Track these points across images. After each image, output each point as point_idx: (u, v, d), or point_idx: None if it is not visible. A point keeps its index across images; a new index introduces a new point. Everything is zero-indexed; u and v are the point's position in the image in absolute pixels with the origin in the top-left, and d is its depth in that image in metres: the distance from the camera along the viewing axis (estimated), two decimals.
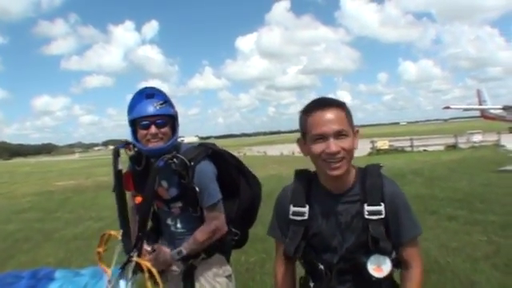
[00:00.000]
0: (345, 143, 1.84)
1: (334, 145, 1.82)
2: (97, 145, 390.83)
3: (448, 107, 52.45)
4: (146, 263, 2.58)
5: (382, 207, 1.87)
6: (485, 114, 53.22)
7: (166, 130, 2.70)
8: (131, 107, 2.74)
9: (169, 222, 2.91)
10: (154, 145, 2.67)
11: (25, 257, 7.85)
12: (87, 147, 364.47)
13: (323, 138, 1.84)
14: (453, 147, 32.48)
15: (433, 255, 5.82)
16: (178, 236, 2.90)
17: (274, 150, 49.60)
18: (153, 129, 2.65)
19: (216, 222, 2.80)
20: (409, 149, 34.32)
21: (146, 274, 2.53)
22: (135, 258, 2.62)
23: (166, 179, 2.79)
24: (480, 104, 52.58)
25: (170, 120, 2.74)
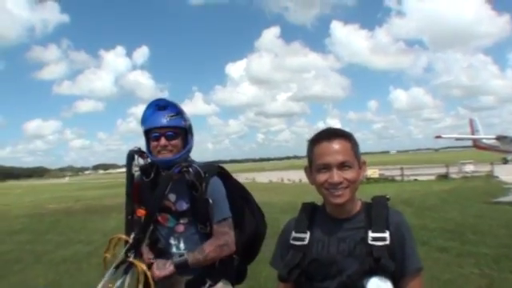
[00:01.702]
0: (348, 174, 1.86)
1: (336, 175, 1.85)
2: (87, 168, 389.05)
3: (440, 136, 52.61)
4: (141, 265, 2.55)
5: (386, 234, 1.86)
6: (477, 144, 53.25)
7: (176, 142, 2.71)
8: (144, 118, 2.76)
9: (171, 241, 2.79)
10: (164, 156, 2.68)
11: (15, 278, 7.83)
12: (78, 171, 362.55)
13: (327, 168, 1.88)
14: (444, 177, 32.38)
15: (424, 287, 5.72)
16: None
17: (262, 177, 49.28)
18: (162, 140, 2.67)
19: (226, 237, 2.72)
20: (399, 178, 34.06)
21: (141, 276, 2.50)
22: (132, 259, 2.59)
23: (174, 192, 2.74)
24: (472, 133, 52.49)
25: (181, 132, 2.75)
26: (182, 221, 2.76)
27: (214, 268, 2.76)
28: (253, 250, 3.07)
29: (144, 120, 2.76)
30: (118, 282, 2.62)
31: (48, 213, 20.63)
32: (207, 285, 2.73)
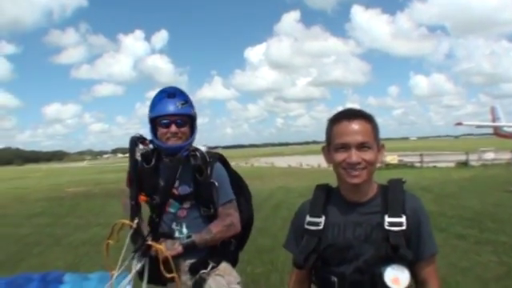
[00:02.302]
0: (367, 155, 1.84)
1: (355, 155, 1.83)
2: (106, 152, 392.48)
3: (460, 123, 51.85)
4: (160, 247, 2.59)
5: (403, 219, 1.84)
6: (498, 132, 52.35)
7: (185, 129, 2.75)
8: (153, 105, 2.78)
9: (173, 226, 2.84)
10: (174, 143, 2.71)
11: (35, 260, 7.94)
12: (96, 154, 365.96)
13: (346, 147, 1.85)
14: (464, 164, 32.10)
15: (441, 274, 5.65)
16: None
17: (281, 162, 49.35)
18: (173, 127, 2.70)
19: (231, 218, 2.82)
20: (418, 164, 33.92)
21: (161, 257, 2.55)
22: (150, 242, 2.65)
23: (177, 177, 2.78)
24: (494, 121, 51.55)
25: (189, 120, 2.79)
26: (184, 205, 2.81)
27: (215, 249, 2.83)
28: (246, 236, 3.13)
29: (153, 107, 2.79)
30: (139, 266, 2.69)
31: (67, 196, 20.92)
32: (210, 266, 2.79)
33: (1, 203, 19.15)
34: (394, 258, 1.80)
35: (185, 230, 2.81)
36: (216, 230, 2.75)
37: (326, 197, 2.06)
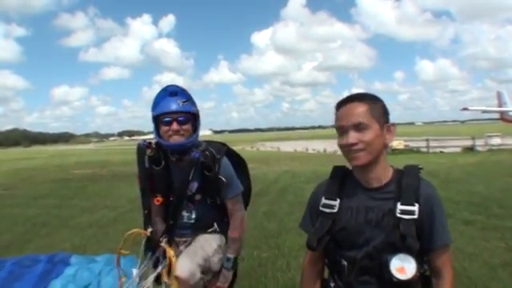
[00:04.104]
0: (364, 136, 1.86)
1: (351, 137, 1.86)
2: (112, 135, 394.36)
3: (466, 108, 51.67)
4: (170, 251, 2.71)
5: (415, 208, 1.84)
6: (504, 117, 52.16)
7: (187, 126, 2.81)
8: (155, 104, 2.84)
9: (184, 213, 2.99)
10: (175, 140, 2.77)
11: (42, 241, 7.96)
12: (103, 137, 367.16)
13: (344, 130, 1.90)
14: (470, 150, 32.05)
15: None
16: (186, 226, 3.01)
17: (287, 146, 49.51)
18: (175, 125, 2.76)
19: (241, 213, 3.07)
20: (424, 150, 33.89)
21: (168, 261, 2.68)
22: (164, 244, 2.80)
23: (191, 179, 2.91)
24: (500, 106, 51.44)
25: (191, 118, 2.84)
26: (195, 198, 2.97)
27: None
28: (246, 204, 3.32)
29: (155, 106, 2.84)
30: (159, 268, 2.83)
31: (74, 178, 20.97)
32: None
33: (8, 184, 19.20)
34: (402, 247, 1.81)
35: (194, 215, 2.99)
36: (238, 234, 3.02)
37: (341, 179, 2.07)
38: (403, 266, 1.80)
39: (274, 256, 6.17)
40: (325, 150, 37.16)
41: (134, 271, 2.81)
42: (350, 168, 2.06)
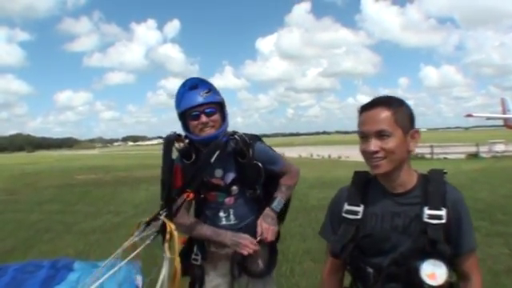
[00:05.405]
0: (386, 144, 1.81)
1: (372, 144, 1.81)
2: (117, 140, 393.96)
3: (470, 115, 51.58)
4: (170, 224, 2.52)
5: (443, 212, 1.80)
6: (508, 124, 52.11)
7: (215, 117, 2.71)
8: (178, 101, 2.75)
9: (221, 214, 2.85)
10: (207, 133, 2.68)
11: (45, 247, 7.98)
12: (107, 142, 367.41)
13: (366, 136, 1.85)
14: (474, 156, 32.00)
15: None
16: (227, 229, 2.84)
17: (292, 152, 49.25)
18: (203, 118, 2.67)
19: (294, 167, 3.06)
20: (428, 156, 33.73)
21: (168, 236, 2.47)
22: (163, 217, 2.56)
23: (220, 167, 2.79)
24: (504, 113, 51.36)
25: (218, 107, 2.74)
26: (232, 192, 2.83)
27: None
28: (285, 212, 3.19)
29: (178, 102, 2.75)
30: (149, 240, 2.61)
31: (78, 183, 20.97)
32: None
33: (12, 189, 19.23)
34: (432, 253, 1.77)
35: (232, 217, 2.84)
36: (292, 182, 2.99)
37: (364, 184, 2.03)
38: (434, 272, 1.76)
39: (278, 261, 6.10)
40: (329, 156, 37.12)
41: (138, 277, 2.74)
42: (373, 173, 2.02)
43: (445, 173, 1.96)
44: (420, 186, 1.92)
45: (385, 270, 1.87)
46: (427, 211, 1.82)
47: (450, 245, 1.79)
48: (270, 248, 3.04)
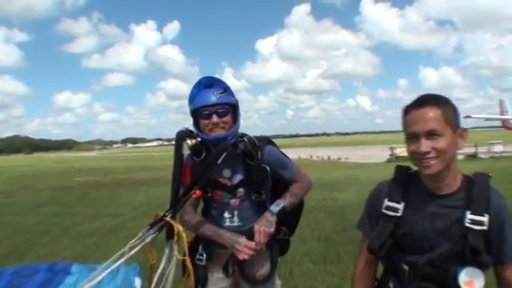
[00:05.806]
0: (437, 143, 1.76)
1: (424, 145, 1.77)
2: (116, 142, 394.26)
3: (469, 116, 51.51)
4: (177, 225, 2.52)
5: (485, 218, 1.76)
6: (506, 125, 52.21)
7: (227, 118, 2.68)
8: (192, 98, 2.72)
9: (226, 215, 2.82)
10: (216, 134, 2.64)
11: (43, 250, 7.95)
12: (106, 144, 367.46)
13: (415, 137, 1.80)
14: (473, 157, 31.91)
15: None
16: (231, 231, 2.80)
17: (292, 154, 48.72)
18: (214, 118, 2.63)
19: (307, 177, 2.95)
20: None
21: (176, 238, 2.49)
22: (168, 219, 2.55)
23: (228, 167, 2.76)
24: (502, 114, 51.50)
25: (230, 108, 2.71)
26: (238, 194, 2.79)
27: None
28: (297, 220, 3.19)
29: (192, 99, 2.72)
30: (150, 238, 2.56)
31: (76, 186, 21.00)
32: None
33: (9, 191, 19.23)
34: (471, 260, 1.74)
35: (236, 219, 2.81)
36: (300, 192, 2.87)
37: (406, 181, 2.00)
38: (472, 280, 1.74)
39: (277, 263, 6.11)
40: (329, 158, 37.08)
41: (137, 280, 2.72)
42: (413, 169, 1.99)
43: (490, 176, 1.91)
44: (464, 189, 1.88)
45: (420, 269, 1.85)
46: (469, 216, 1.78)
47: (489, 253, 1.78)
48: (271, 254, 3.01)
